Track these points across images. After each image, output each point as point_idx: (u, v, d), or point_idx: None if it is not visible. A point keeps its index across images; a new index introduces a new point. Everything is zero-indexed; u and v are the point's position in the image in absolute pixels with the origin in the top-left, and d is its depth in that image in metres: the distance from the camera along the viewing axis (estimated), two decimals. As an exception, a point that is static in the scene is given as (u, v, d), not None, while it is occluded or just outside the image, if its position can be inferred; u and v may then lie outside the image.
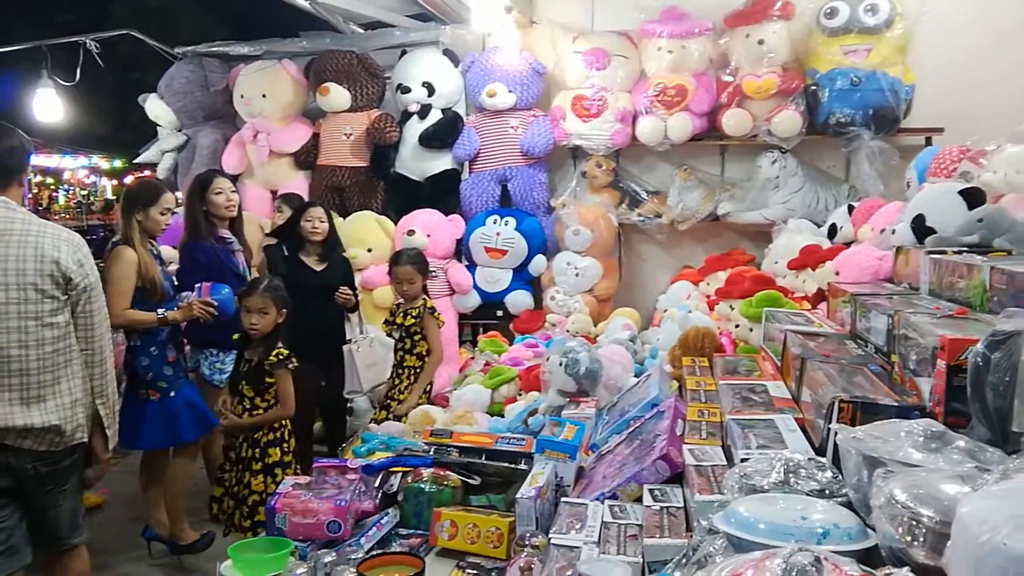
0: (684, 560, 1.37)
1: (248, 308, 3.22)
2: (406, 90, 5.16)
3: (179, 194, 4.86)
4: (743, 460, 1.53)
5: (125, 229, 3.46)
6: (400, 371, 3.87)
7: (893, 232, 2.70)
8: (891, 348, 1.87)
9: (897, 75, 4.41)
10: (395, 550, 1.99)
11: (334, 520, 2.06)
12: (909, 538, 1.06)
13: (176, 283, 3.69)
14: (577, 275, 4.76)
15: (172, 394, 3.54)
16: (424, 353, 3.84)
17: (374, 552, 1.96)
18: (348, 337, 4.17)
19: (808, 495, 1.34)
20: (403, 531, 2.14)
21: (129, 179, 20.43)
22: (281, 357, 3.19)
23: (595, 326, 4.45)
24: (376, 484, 2.28)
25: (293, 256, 4.08)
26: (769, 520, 1.19)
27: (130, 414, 3.41)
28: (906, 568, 0.95)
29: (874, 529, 1.17)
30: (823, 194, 4.72)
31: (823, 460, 1.45)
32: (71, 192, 25.32)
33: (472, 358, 4.05)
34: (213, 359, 3.89)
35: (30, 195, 23.46)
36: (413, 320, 3.82)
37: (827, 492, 1.35)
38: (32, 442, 2.47)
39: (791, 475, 1.38)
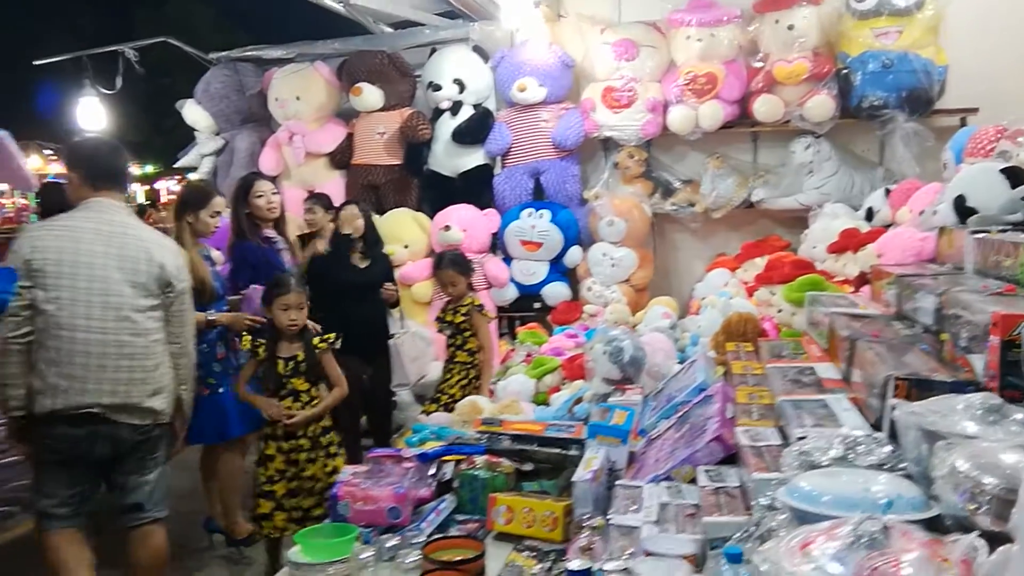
0: (746, 535, 1.42)
1: (288, 305, 3.24)
2: (437, 88, 5.22)
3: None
4: (800, 438, 1.57)
5: (177, 231, 3.59)
6: (451, 366, 3.95)
7: (935, 213, 2.71)
8: (940, 327, 1.89)
9: (930, 56, 4.39)
10: (454, 534, 2.05)
11: (394, 506, 2.12)
12: (973, 506, 1.10)
13: (226, 284, 3.79)
14: (613, 265, 4.80)
15: (221, 390, 3.63)
16: (475, 349, 3.91)
17: (435, 536, 2.02)
18: (392, 332, 4.25)
19: (867, 469, 1.38)
20: (460, 517, 2.19)
21: (160, 184, 20.81)
22: (330, 341, 3.31)
23: (633, 315, 4.49)
24: (430, 472, 2.35)
25: (338, 254, 4.15)
26: (834, 492, 1.24)
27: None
28: (975, 532, 0.99)
29: (936, 500, 1.21)
30: (858, 178, 4.71)
31: (881, 435, 1.48)
32: (104, 198, 25.76)
33: (513, 350, 4.11)
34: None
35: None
36: (463, 318, 3.90)
37: (887, 466, 1.39)
38: (131, 416, 2.78)
39: (850, 451, 1.42)
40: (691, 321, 3.96)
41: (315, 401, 3.28)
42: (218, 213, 3.68)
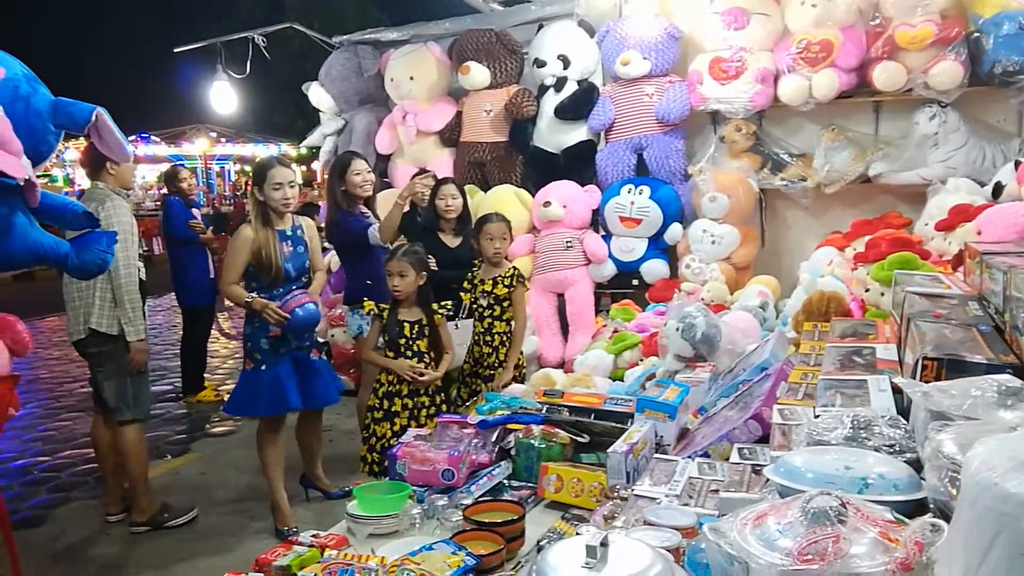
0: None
1: (389, 272, 3.48)
2: (542, 64, 5.25)
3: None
4: (816, 417, 1.52)
5: (250, 208, 3.63)
6: (489, 338, 3.77)
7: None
8: (1005, 308, 1.76)
9: (1077, 14, 3.97)
10: (505, 498, 2.13)
11: (448, 468, 2.21)
12: (953, 491, 1.05)
13: (307, 266, 3.71)
14: (714, 242, 4.68)
15: (263, 368, 3.55)
16: (511, 319, 3.80)
17: (484, 499, 2.10)
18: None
19: (877, 451, 1.33)
20: (515, 483, 2.26)
21: (316, 164, 21.95)
22: (447, 308, 3.61)
23: (731, 294, 4.37)
24: (494, 439, 2.43)
25: (429, 231, 4.26)
26: (815, 470, 1.20)
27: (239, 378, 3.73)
28: (929, 515, 0.95)
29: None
30: (990, 150, 4.35)
31: (898, 418, 1.41)
32: (264, 178, 27.46)
33: (604, 326, 4.12)
34: (363, 320, 4.11)
35: (230, 182, 25.87)
36: (506, 289, 3.76)
37: (897, 448, 1.33)
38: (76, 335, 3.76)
39: (861, 431, 1.37)
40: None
41: (433, 361, 3.54)
42: (280, 185, 3.48)
